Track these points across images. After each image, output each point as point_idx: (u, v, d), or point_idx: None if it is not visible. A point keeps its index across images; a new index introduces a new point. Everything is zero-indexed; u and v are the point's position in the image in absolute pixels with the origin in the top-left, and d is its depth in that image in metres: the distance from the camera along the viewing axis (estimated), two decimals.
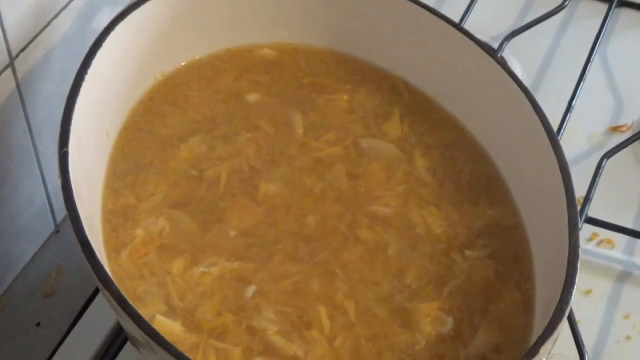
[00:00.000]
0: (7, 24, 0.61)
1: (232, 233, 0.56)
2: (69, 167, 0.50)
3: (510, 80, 0.61)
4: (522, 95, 0.60)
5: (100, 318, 0.65)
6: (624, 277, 0.68)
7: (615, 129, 0.78)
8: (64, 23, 0.66)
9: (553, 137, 0.57)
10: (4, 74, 0.62)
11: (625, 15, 0.88)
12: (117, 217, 0.56)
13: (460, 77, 0.64)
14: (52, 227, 0.72)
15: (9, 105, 0.63)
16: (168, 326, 0.51)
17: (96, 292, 0.68)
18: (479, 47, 0.62)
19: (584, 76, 0.78)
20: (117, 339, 0.63)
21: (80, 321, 0.66)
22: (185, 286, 0.53)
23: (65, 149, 0.51)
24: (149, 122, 0.61)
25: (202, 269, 0.54)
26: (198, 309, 0.52)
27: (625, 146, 0.74)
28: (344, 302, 0.54)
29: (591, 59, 0.79)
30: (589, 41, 0.81)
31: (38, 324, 0.67)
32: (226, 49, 0.66)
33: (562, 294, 0.50)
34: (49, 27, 0.65)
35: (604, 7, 0.86)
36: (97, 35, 0.68)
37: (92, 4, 0.69)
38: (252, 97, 0.64)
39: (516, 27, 0.81)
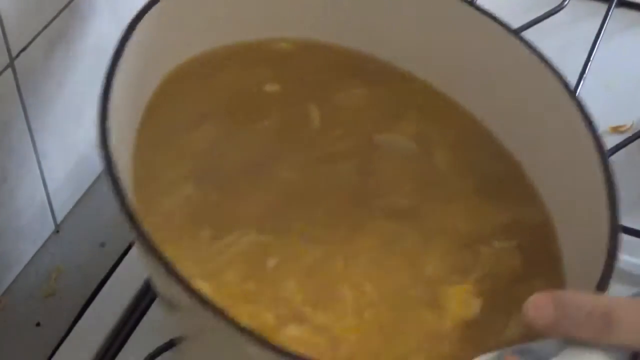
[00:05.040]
0: (7, 24, 0.61)
1: (252, 212, 0.57)
2: (110, 143, 0.50)
3: (542, 66, 0.59)
4: (555, 81, 0.58)
5: (100, 318, 0.65)
6: (624, 276, 0.68)
7: (615, 129, 0.78)
8: (64, 23, 0.66)
9: (592, 127, 0.56)
10: (4, 74, 0.62)
11: (625, 15, 0.88)
12: (143, 189, 0.56)
13: (481, 72, 0.63)
14: (52, 227, 0.72)
15: (9, 105, 0.63)
16: (201, 288, 0.51)
17: (96, 292, 0.68)
18: (499, 26, 0.61)
19: (584, 76, 0.77)
20: (117, 339, 0.63)
21: (80, 321, 0.66)
22: (211, 256, 0.54)
23: (106, 124, 0.51)
24: (168, 107, 0.62)
25: (225, 240, 0.55)
26: (225, 278, 0.53)
27: (625, 146, 0.74)
28: (366, 284, 0.54)
29: (591, 59, 0.79)
30: (589, 41, 0.81)
31: (38, 324, 0.67)
32: (243, 42, 0.66)
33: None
34: (49, 27, 0.65)
35: (603, 7, 0.86)
36: (96, 35, 0.68)
37: (93, 4, 0.69)
38: (269, 89, 0.64)
39: (516, 27, 0.81)
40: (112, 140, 0.50)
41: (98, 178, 0.75)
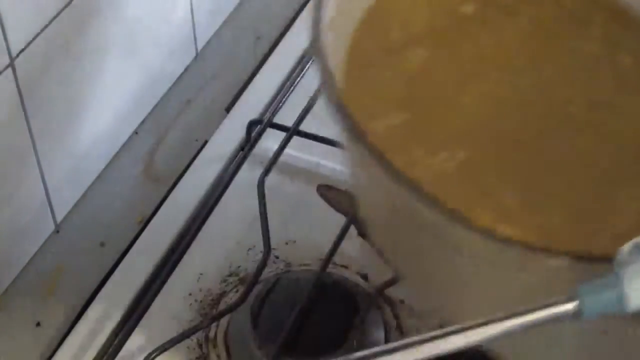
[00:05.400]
0: (7, 24, 0.61)
1: (461, 130, 0.59)
2: (327, 57, 0.52)
3: None
4: None
5: (100, 318, 0.65)
6: None
7: None
8: (64, 23, 0.66)
9: None
10: (4, 74, 0.62)
11: None
12: (354, 110, 0.58)
13: None
14: (52, 227, 0.72)
15: (9, 105, 0.64)
16: None
17: (96, 292, 0.68)
18: None
19: None
20: (117, 339, 0.63)
21: (80, 321, 0.66)
22: (426, 172, 0.56)
23: (319, 39, 0.53)
24: (373, 32, 0.63)
25: (439, 157, 0.57)
26: (440, 192, 0.54)
27: None
28: (574, 179, 0.56)
29: None
30: None
31: (38, 324, 0.67)
32: None
33: None
34: (49, 27, 0.65)
35: None
36: (96, 35, 0.69)
37: (93, 4, 0.69)
38: (466, 9, 0.66)
39: None
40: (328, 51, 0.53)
41: (98, 178, 0.76)
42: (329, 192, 0.74)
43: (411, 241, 0.56)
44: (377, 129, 0.57)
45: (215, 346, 0.64)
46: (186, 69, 0.84)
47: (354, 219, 0.69)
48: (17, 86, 0.63)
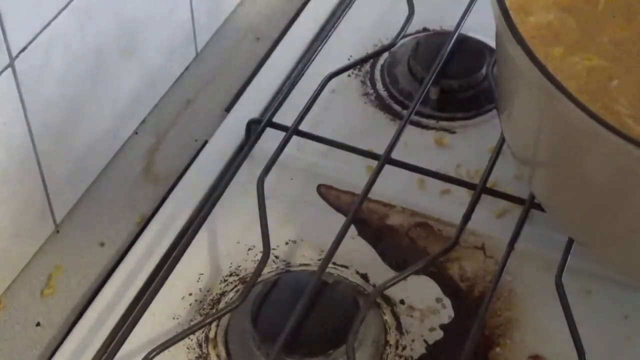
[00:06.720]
0: (7, 24, 0.61)
1: (606, 40, 0.62)
2: None
3: None
4: None
5: (100, 318, 0.65)
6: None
7: None
8: (64, 23, 0.66)
9: None
10: (4, 74, 0.62)
11: None
12: (513, 9, 0.62)
13: None
14: (52, 227, 0.72)
15: (9, 105, 0.64)
16: None
17: (96, 292, 0.68)
18: None
19: None
20: (117, 338, 0.63)
21: (80, 321, 0.66)
22: (560, 67, 0.59)
23: None
24: None
25: (576, 58, 0.60)
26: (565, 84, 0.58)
27: None
28: None
29: None
30: None
31: (38, 324, 0.67)
32: None
33: None
34: (49, 27, 0.65)
35: None
36: (96, 35, 0.68)
37: (92, 4, 0.69)
38: None
39: None
40: None
41: (98, 178, 0.76)
42: (329, 192, 0.75)
43: (557, 146, 0.60)
44: (528, 26, 0.62)
45: (215, 346, 0.64)
46: (186, 69, 0.84)
47: (354, 219, 0.69)
48: (17, 86, 0.63)
